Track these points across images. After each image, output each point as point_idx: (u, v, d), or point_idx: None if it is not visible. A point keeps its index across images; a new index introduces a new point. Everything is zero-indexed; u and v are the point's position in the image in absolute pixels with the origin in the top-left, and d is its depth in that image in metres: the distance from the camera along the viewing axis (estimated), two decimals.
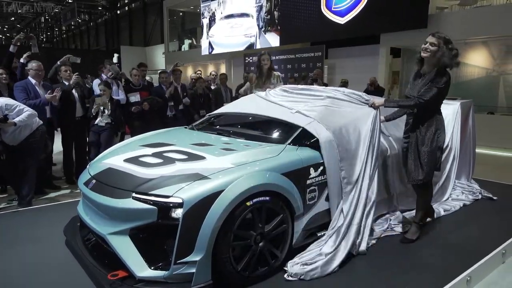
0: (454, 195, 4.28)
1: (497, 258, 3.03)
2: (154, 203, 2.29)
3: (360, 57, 11.46)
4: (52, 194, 4.90)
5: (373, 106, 3.23)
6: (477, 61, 10.23)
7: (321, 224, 3.00)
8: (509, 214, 3.96)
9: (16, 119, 3.95)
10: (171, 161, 2.66)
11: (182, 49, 19.63)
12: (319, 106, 3.26)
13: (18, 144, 4.08)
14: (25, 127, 4.06)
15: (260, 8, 13.66)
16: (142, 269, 2.28)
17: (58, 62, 5.46)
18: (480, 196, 4.36)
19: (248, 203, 2.42)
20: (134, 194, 2.37)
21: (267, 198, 2.52)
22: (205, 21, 16.24)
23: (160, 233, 2.32)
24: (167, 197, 2.29)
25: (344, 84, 9.06)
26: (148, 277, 2.27)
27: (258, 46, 13.96)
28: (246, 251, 2.49)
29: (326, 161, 2.90)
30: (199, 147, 2.93)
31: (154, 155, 2.84)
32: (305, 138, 3.00)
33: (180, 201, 2.25)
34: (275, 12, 13.04)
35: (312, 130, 2.99)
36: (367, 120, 3.16)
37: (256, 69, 5.10)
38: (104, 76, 5.95)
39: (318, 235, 2.96)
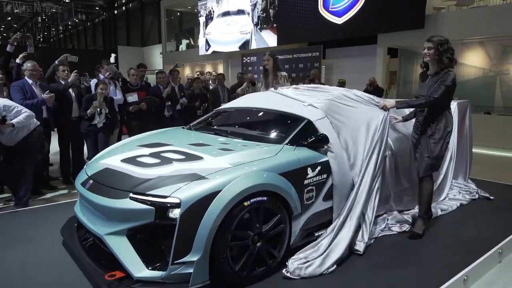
0: (451, 194, 4.30)
1: (494, 257, 3.04)
2: (151, 203, 2.29)
3: (358, 57, 11.48)
4: (49, 195, 4.88)
5: (384, 108, 3.33)
6: (474, 61, 10.27)
7: (319, 224, 3.01)
8: (505, 214, 3.97)
9: (14, 121, 3.94)
10: (169, 161, 2.66)
11: (180, 49, 19.61)
12: (328, 100, 3.35)
13: (15, 144, 4.07)
14: (22, 128, 4.04)
15: (254, 5, 13.71)
16: (139, 270, 2.27)
17: (56, 62, 5.44)
18: (477, 196, 4.38)
19: (245, 203, 2.42)
20: (131, 195, 2.37)
21: (265, 198, 2.52)
22: (202, 20, 16.36)
23: (158, 234, 2.31)
24: (165, 197, 2.29)
25: (342, 84, 9.02)
26: (146, 277, 2.27)
27: (253, 44, 14.00)
28: (243, 251, 2.48)
29: (332, 162, 2.96)
30: (197, 147, 2.93)
31: (152, 155, 2.83)
32: (303, 138, 3.01)
33: (178, 201, 2.25)
34: (270, 10, 13.07)
35: (320, 127, 3.06)
36: (376, 120, 3.23)
37: (262, 70, 5.12)
38: (101, 76, 5.93)
39: (316, 235, 2.98)
